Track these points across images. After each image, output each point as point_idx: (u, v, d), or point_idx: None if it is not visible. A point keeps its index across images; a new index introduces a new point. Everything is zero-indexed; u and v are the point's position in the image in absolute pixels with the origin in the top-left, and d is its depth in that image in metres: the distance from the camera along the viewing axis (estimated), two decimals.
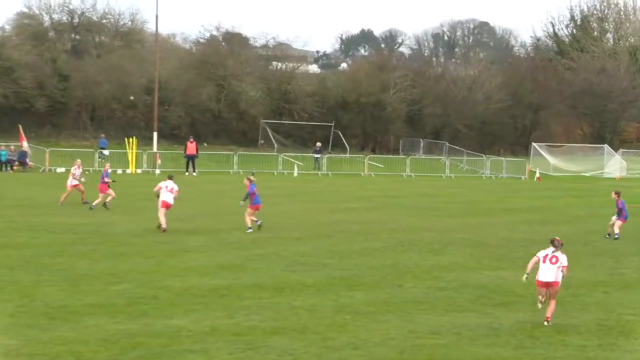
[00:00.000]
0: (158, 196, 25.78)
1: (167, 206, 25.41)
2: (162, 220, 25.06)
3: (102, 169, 49.01)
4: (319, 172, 55.47)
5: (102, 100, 63.21)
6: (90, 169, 50.93)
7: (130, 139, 51.79)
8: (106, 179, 30.94)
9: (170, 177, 26.52)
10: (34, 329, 13.84)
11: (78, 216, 28.46)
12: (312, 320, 14.92)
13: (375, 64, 75.76)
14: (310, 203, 35.72)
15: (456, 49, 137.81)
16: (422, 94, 73.06)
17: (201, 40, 76.99)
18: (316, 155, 57.95)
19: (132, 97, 63.85)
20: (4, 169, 49.52)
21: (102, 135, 57.87)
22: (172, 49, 78.40)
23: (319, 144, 60.59)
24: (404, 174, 57.52)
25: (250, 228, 25.19)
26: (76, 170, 33.00)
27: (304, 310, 15.59)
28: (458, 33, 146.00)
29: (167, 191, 25.72)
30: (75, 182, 32.63)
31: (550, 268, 15.03)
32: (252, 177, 26.13)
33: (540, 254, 15.25)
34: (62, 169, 50.01)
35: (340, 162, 60.45)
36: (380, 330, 14.34)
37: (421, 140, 69.47)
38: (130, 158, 51.52)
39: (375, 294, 17.16)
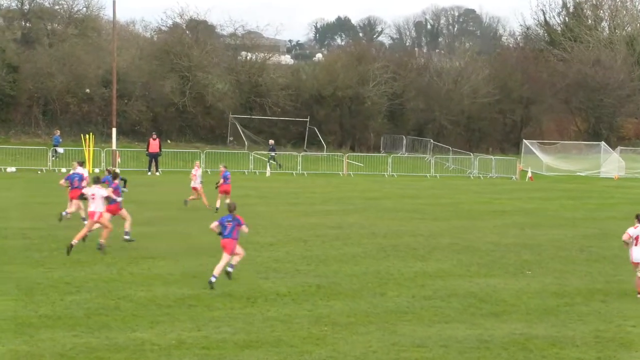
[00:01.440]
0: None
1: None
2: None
3: (56, 168, 48.81)
4: (295, 172, 55.49)
5: (55, 94, 62.81)
6: (43, 168, 50.71)
7: (87, 136, 51.49)
8: (80, 184, 27.36)
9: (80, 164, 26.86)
10: None
11: (31, 220, 28.27)
12: (287, 332, 14.93)
13: (352, 55, 75.82)
14: (284, 205, 35.74)
15: (440, 39, 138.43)
16: (404, 87, 73.27)
17: (163, 28, 76.72)
18: (271, 153, 57.76)
19: (88, 90, 63.53)
20: None
21: (57, 131, 57.52)
22: (132, 37, 78.13)
23: (271, 141, 60.51)
24: (385, 173, 57.67)
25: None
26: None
27: (278, 322, 15.60)
28: (442, 21, 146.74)
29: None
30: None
31: None
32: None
33: (632, 231, 16.22)
34: (13, 169, 49.71)
35: (316, 160, 60.53)
36: (361, 342, 14.37)
37: (404, 137, 69.70)
38: (87, 156, 51.21)
39: (355, 304, 17.19)
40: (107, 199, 22.52)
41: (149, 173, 51.45)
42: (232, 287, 18.40)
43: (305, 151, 64.23)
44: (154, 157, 52.53)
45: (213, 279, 18.22)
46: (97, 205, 22.28)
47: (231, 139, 66.76)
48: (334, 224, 29.53)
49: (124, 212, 24.08)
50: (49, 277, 18.90)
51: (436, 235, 27.46)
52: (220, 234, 18.81)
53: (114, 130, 54.84)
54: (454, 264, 22.13)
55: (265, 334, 14.79)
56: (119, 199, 23.82)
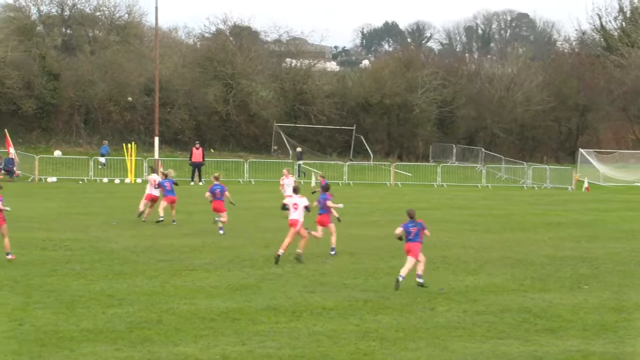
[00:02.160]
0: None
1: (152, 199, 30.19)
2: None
3: (97, 178, 49.38)
4: (340, 182, 55.51)
5: (97, 102, 63.55)
6: (85, 178, 51.31)
7: (129, 145, 52.03)
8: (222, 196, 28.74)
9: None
10: (24, 356, 13.91)
11: (72, 231, 28.61)
12: (333, 347, 14.92)
13: (400, 61, 75.83)
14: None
15: (492, 44, 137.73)
16: (454, 94, 73.08)
17: (206, 34, 77.45)
18: (298, 162, 57.90)
19: (130, 98, 64.18)
20: None
21: (105, 142, 57.86)
22: (174, 44, 78.85)
23: (299, 148, 60.57)
24: (434, 183, 57.47)
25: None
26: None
27: (324, 337, 15.60)
28: (494, 26, 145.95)
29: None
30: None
31: None
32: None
33: None
34: (54, 179, 50.30)
35: (362, 170, 60.49)
36: (410, 358, 14.32)
37: (454, 145, 69.44)
38: (128, 166, 51.79)
39: (404, 318, 17.14)
40: (307, 209, 23.77)
41: (192, 183, 51.79)
42: (277, 300, 18.44)
43: (351, 160, 64.27)
44: (197, 167, 52.89)
45: (400, 278, 19.71)
46: (299, 215, 23.49)
47: (275, 147, 67.01)
48: (381, 236, 29.46)
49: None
50: (90, 290, 19.10)
51: (487, 247, 27.28)
52: (400, 238, 20.59)
53: (156, 139, 55.29)
54: (507, 278, 21.96)
55: (311, 349, 14.79)
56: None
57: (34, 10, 70.95)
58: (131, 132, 62.91)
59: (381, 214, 37.19)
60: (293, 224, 23.43)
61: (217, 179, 29.21)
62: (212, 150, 62.72)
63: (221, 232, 28.19)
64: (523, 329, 16.51)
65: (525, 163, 63.38)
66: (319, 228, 24.64)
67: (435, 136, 72.26)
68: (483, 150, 67.93)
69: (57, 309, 17.17)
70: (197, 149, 53.35)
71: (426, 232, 20.58)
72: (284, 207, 24.47)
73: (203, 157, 53.51)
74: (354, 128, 68.54)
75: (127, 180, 51.59)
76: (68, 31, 72.93)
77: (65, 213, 33.61)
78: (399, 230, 20.41)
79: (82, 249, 24.68)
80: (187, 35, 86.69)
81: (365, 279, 21.29)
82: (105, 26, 73.22)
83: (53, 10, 71.77)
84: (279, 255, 22.98)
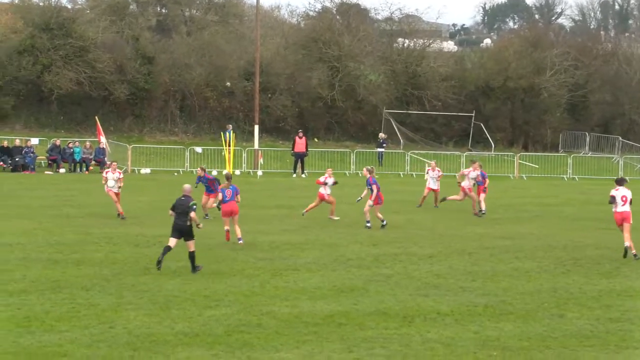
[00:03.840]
0: None
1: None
2: None
3: (194, 169, 50.13)
4: (457, 174, 55.04)
5: (193, 87, 64.36)
6: (180, 169, 52.20)
7: (227, 134, 52.62)
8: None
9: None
10: None
11: (166, 227, 29.08)
12: (449, 356, 14.88)
13: (527, 40, 74.84)
14: (444, 212, 35.57)
15: (630, 21, 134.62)
16: (588, 76, 71.78)
17: (311, 13, 77.69)
18: (379, 150, 57.57)
19: (228, 84, 64.85)
20: (78, 169, 51.08)
21: (229, 125, 56.49)
22: (276, 24, 79.40)
23: (382, 135, 60.26)
24: (564, 176, 56.61)
25: None
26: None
27: (439, 344, 15.56)
28: (632, 0, 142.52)
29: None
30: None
31: None
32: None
33: None
34: (147, 170, 51.22)
35: (482, 161, 59.76)
36: None
37: (587, 134, 68.25)
38: (226, 156, 52.39)
39: (528, 326, 16.97)
40: None
41: (294, 175, 52.14)
42: (386, 304, 18.46)
43: (470, 150, 63.75)
44: (300, 158, 53.12)
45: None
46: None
47: (384, 136, 66.91)
48: (503, 235, 29.18)
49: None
50: (185, 290, 19.43)
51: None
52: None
53: (256, 127, 55.82)
54: None
55: (424, 357, 14.77)
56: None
57: None
58: (229, 120, 63.59)
59: (504, 211, 36.83)
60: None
61: (203, 170, 32.10)
62: (315, 140, 62.96)
63: (240, 242, 26.14)
64: None
65: None
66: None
67: (566, 123, 71.01)
68: (620, 139, 66.55)
69: (150, 311, 17.54)
70: (300, 138, 53.55)
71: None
72: None
73: (306, 147, 53.67)
74: (472, 114, 67.93)
75: (225, 172, 52.21)
76: (163, 10, 74.15)
77: (159, 208, 34.21)
78: None
79: (176, 246, 25.07)
80: (290, 14, 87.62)
81: (483, 282, 21.12)
82: (203, 5, 74.21)
83: None
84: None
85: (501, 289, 20.43)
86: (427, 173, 37.80)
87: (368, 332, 16.24)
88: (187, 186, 22.24)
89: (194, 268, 21.44)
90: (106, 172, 32.35)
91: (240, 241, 25.88)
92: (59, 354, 14.55)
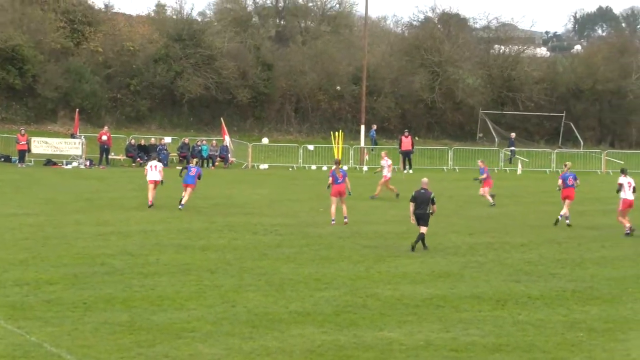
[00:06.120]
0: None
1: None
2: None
3: (306, 165, 50.41)
4: (548, 170, 54.17)
5: (307, 91, 64.77)
6: (294, 165, 52.55)
7: (336, 133, 52.75)
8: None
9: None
10: (236, 337, 14.45)
11: (282, 216, 29.38)
12: (539, 337, 14.68)
13: (614, 46, 73.25)
14: (535, 204, 35.05)
15: None
16: None
17: (414, 23, 77.37)
18: (511, 148, 56.78)
19: (338, 87, 65.02)
20: (205, 165, 51.82)
21: (373, 125, 59.66)
22: (382, 33, 79.18)
23: (512, 134, 59.33)
24: None
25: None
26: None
27: (530, 326, 15.36)
28: None
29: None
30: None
31: None
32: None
33: None
34: (265, 166, 51.74)
35: (571, 157, 58.62)
36: (619, 350, 13.91)
37: None
38: (335, 153, 52.50)
39: (613, 310, 16.63)
40: None
41: (405, 172, 51.61)
42: (480, 288, 18.29)
43: (560, 148, 62.60)
44: (406, 155, 52.83)
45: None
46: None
47: (480, 135, 66.15)
48: (590, 226, 28.66)
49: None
50: (299, 273, 19.58)
51: None
52: None
53: (362, 127, 55.85)
54: None
55: (516, 337, 14.60)
56: None
57: (249, 2, 73.16)
58: (339, 120, 63.73)
59: (590, 203, 36.07)
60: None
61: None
62: (416, 138, 62.44)
63: (346, 220, 27.06)
64: None
65: None
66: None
67: None
68: None
69: (267, 292, 17.72)
70: (406, 137, 53.22)
71: None
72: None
73: (412, 145, 53.33)
74: (563, 115, 66.72)
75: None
76: (281, 22, 74.66)
77: (276, 199, 34.53)
78: None
79: (291, 234, 25.31)
80: (395, 24, 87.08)
81: (572, 269, 20.77)
82: (317, 17, 74.47)
83: (268, 1, 73.76)
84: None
85: (588, 275, 20.08)
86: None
87: (463, 314, 16.12)
88: (425, 179, 24.01)
89: (424, 247, 22.86)
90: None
91: (346, 219, 26.89)
92: (187, 329, 14.81)
